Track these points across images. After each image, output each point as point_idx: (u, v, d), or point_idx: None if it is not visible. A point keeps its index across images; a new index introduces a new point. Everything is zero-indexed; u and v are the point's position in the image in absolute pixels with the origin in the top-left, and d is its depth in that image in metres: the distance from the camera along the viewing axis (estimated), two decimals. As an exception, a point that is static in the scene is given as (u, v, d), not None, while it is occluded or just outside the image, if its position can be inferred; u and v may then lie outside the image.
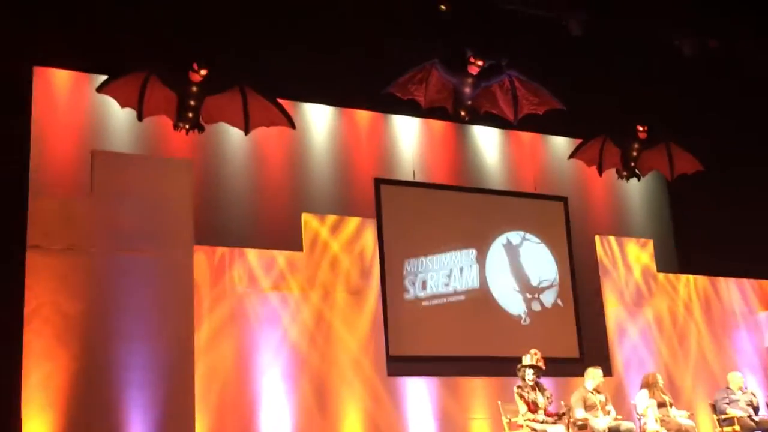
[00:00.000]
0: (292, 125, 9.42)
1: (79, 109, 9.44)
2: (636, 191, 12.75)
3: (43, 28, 8.37)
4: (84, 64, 9.27)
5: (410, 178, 11.03)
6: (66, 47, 8.84)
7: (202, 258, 8.95)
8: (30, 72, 8.41)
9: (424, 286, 10.61)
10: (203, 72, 8.64)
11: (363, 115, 11.11)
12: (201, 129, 8.94)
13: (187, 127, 8.82)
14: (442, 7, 9.61)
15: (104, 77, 8.75)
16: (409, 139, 11.29)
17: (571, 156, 11.21)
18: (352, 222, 10.05)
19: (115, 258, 8.25)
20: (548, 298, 11.36)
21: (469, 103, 9.78)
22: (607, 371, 10.46)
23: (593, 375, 9.36)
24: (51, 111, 9.21)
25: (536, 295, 11.29)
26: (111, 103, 8.94)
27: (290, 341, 9.26)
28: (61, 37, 8.67)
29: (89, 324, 8.03)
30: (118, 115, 9.33)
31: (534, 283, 11.33)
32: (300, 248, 9.63)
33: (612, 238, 11.56)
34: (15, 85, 8.11)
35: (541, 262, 11.46)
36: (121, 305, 8.14)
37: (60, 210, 8.24)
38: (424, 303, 10.58)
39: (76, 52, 8.98)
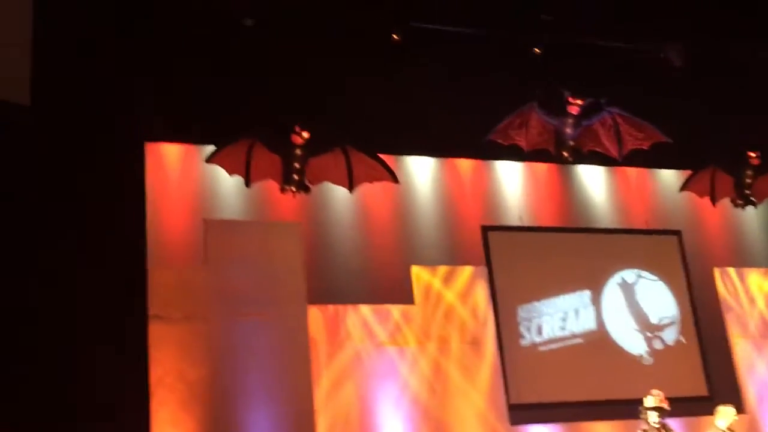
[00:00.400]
0: (396, 180, 9.53)
1: (190, 180, 9.69)
2: (753, 219, 12.28)
3: (152, 106, 8.73)
4: (192, 137, 9.55)
5: (517, 223, 10.93)
6: (174, 122, 9.13)
7: (317, 314, 9.10)
8: (142, 148, 8.77)
9: (540, 331, 10.43)
10: (306, 134, 8.85)
11: (465, 164, 11.09)
12: (307, 190, 9.11)
13: (293, 189, 9.00)
14: (536, 50, 9.62)
15: (212, 147, 9.05)
16: (513, 184, 11.20)
17: (683, 188, 10.97)
18: (464, 271, 10.04)
19: (233, 323, 8.45)
20: (670, 336, 11.01)
21: (572, 143, 9.71)
22: (739, 408, 10.01)
23: (725, 413, 8.97)
24: (163, 184, 9.48)
25: (657, 334, 10.96)
26: (219, 172, 9.21)
27: (410, 393, 9.27)
28: (170, 112, 8.98)
29: (212, 389, 8.22)
30: (226, 183, 9.55)
31: (654, 321, 11.01)
32: (412, 301, 9.64)
33: (732, 270, 11.21)
34: (129, 161, 8.48)
35: (659, 299, 11.13)
36: (241, 368, 8.31)
37: (177, 280, 8.51)
38: (541, 348, 10.39)
39: (184, 126, 9.26)
